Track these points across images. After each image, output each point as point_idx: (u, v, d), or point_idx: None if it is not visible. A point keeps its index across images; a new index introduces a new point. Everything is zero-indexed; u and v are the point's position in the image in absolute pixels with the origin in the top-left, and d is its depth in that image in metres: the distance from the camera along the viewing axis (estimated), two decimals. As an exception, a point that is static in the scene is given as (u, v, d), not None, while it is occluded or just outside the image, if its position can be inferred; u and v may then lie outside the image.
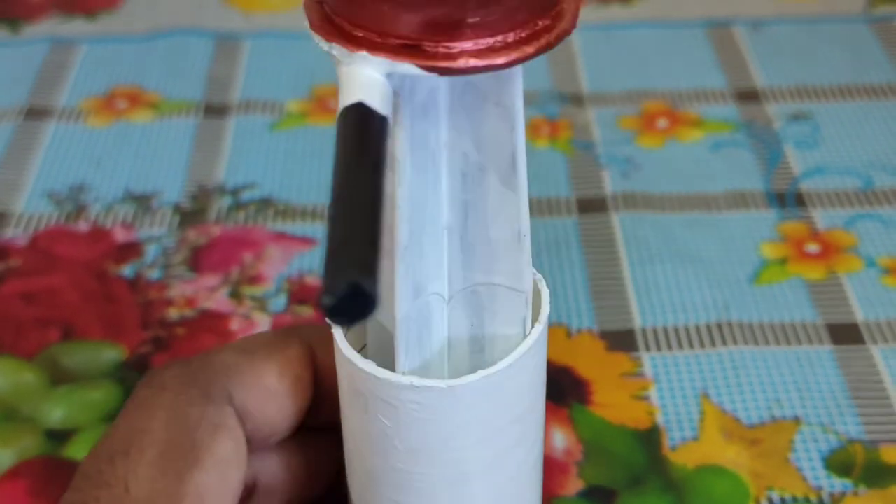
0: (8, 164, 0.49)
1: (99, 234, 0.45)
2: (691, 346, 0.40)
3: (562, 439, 0.37)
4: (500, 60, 0.19)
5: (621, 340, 0.40)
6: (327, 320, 0.15)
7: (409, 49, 0.19)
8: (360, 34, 0.19)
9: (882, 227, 0.45)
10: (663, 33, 0.57)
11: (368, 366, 0.22)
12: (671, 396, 0.38)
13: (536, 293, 0.24)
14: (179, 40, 0.56)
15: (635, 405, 0.38)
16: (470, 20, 0.19)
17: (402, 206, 0.21)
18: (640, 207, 0.46)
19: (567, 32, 0.20)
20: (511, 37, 0.19)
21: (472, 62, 0.19)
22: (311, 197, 0.47)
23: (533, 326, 0.24)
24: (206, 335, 0.41)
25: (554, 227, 0.45)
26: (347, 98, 0.18)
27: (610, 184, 0.47)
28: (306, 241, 0.45)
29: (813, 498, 0.35)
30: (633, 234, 0.45)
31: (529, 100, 0.49)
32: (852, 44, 0.55)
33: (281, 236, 0.45)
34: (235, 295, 0.42)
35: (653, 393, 0.38)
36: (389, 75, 0.19)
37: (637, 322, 0.41)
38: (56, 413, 0.38)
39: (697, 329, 0.40)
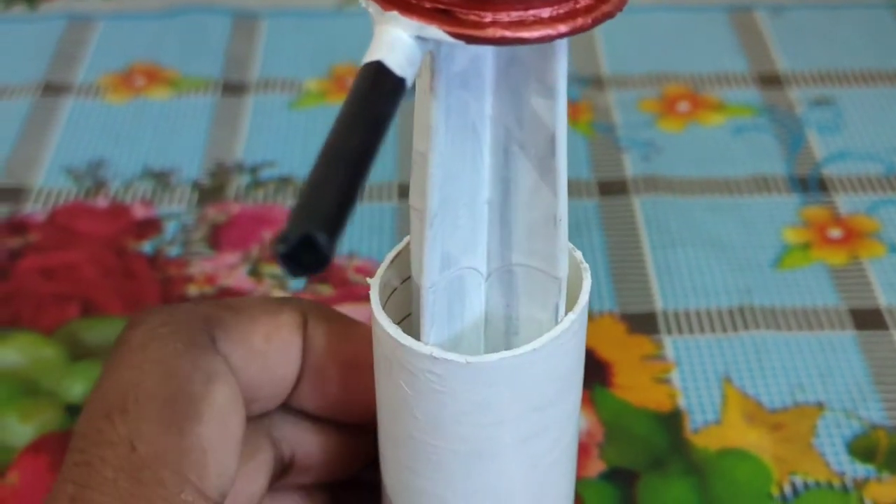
0: (27, 139, 0.49)
1: (118, 210, 0.45)
2: (713, 329, 0.40)
3: (584, 421, 0.37)
4: (530, 34, 0.19)
5: (643, 323, 0.40)
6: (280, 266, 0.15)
7: (440, 14, 0.19)
8: None
9: (905, 213, 0.45)
10: (684, 16, 0.56)
11: (394, 330, 0.22)
12: (693, 380, 0.38)
13: (579, 280, 0.24)
14: (196, 18, 0.56)
15: (657, 388, 0.38)
16: None
17: (434, 174, 0.20)
18: (661, 191, 0.46)
19: (609, 15, 0.20)
20: (546, 12, 0.19)
21: (501, 33, 0.19)
22: (331, 176, 0.47)
23: (566, 315, 0.23)
24: (225, 313, 0.40)
25: (575, 209, 0.45)
26: (369, 56, 0.18)
27: (631, 167, 0.47)
28: (326, 220, 0.44)
29: (836, 483, 0.35)
30: (654, 218, 0.44)
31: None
32: (875, 29, 0.55)
33: (300, 215, 0.45)
34: (255, 273, 0.42)
35: (674, 376, 0.38)
36: (421, 39, 0.19)
37: (658, 305, 0.41)
38: (76, 388, 0.38)
39: (719, 313, 0.40)
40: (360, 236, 0.44)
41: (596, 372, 0.38)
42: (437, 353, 0.22)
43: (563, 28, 0.19)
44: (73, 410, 0.37)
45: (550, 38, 0.19)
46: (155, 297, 0.41)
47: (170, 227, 0.44)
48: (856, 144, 0.48)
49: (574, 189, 0.46)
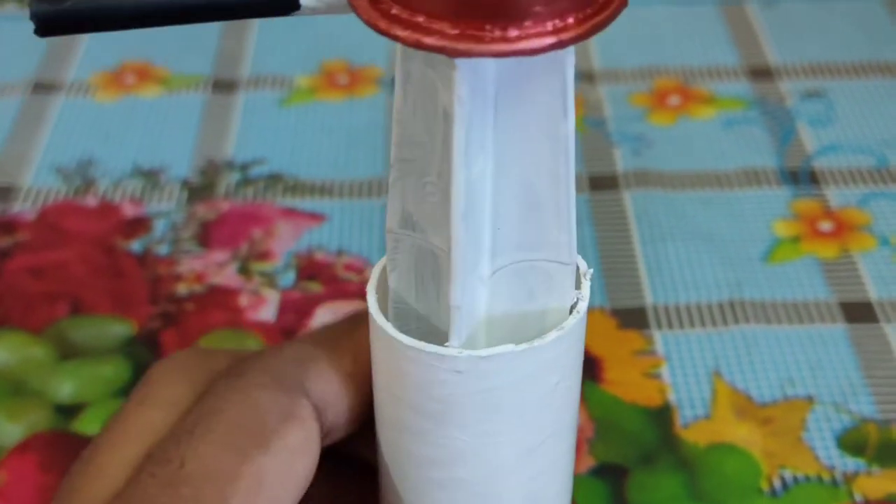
0: (16, 138, 0.49)
1: (107, 208, 0.45)
2: (703, 324, 0.40)
3: (573, 417, 0.37)
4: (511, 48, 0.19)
5: (633, 318, 0.40)
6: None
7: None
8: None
9: (896, 205, 0.44)
10: (676, 10, 0.56)
11: (383, 322, 0.22)
12: (683, 374, 0.38)
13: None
14: (188, 15, 0.56)
15: (647, 383, 0.38)
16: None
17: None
18: (651, 185, 0.46)
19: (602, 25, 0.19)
20: (552, 25, 0.19)
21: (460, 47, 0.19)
22: (321, 173, 0.47)
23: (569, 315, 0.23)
24: (214, 311, 0.40)
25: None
26: None
27: (621, 161, 0.47)
28: (315, 216, 0.44)
29: (826, 477, 0.35)
30: (645, 212, 0.44)
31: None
32: (867, 21, 0.55)
33: (290, 212, 0.45)
34: (244, 270, 0.42)
35: (664, 371, 0.38)
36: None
37: (649, 300, 0.41)
38: (65, 388, 0.38)
39: (710, 307, 0.40)
40: (349, 234, 0.44)
41: (586, 368, 0.38)
42: (437, 349, 0.22)
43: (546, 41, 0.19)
44: (61, 410, 0.37)
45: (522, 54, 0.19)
46: (144, 295, 0.41)
47: (159, 226, 0.44)
48: (847, 137, 0.48)
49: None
